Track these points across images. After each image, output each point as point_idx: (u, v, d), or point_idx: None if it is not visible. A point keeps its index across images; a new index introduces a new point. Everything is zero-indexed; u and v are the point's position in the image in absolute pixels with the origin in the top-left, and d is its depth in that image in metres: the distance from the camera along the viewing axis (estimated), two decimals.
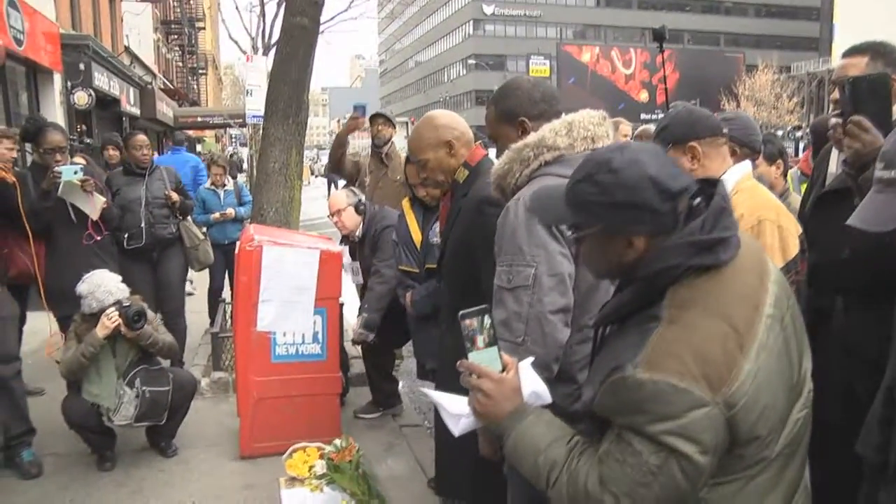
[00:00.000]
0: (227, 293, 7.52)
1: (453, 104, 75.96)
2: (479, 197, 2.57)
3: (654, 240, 1.49)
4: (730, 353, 1.39)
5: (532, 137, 2.12)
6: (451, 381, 2.62)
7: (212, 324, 6.75)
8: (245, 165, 25.19)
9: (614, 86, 64.70)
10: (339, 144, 5.92)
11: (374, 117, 6.02)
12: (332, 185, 21.07)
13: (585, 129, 2.14)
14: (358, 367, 5.76)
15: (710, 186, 1.55)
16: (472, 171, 2.75)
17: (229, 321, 6.36)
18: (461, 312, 1.59)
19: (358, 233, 5.01)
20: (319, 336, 4.60)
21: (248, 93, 15.06)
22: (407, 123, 37.23)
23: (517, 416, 1.59)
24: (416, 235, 4.14)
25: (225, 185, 7.86)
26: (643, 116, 49.98)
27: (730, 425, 1.39)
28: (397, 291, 4.36)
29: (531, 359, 1.72)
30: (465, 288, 2.55)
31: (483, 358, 1.61)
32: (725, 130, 2.67)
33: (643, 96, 64.64)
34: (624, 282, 1.59)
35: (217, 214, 7.58)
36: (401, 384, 5.68)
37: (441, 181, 2.82)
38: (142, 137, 6.03)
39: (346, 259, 5.17)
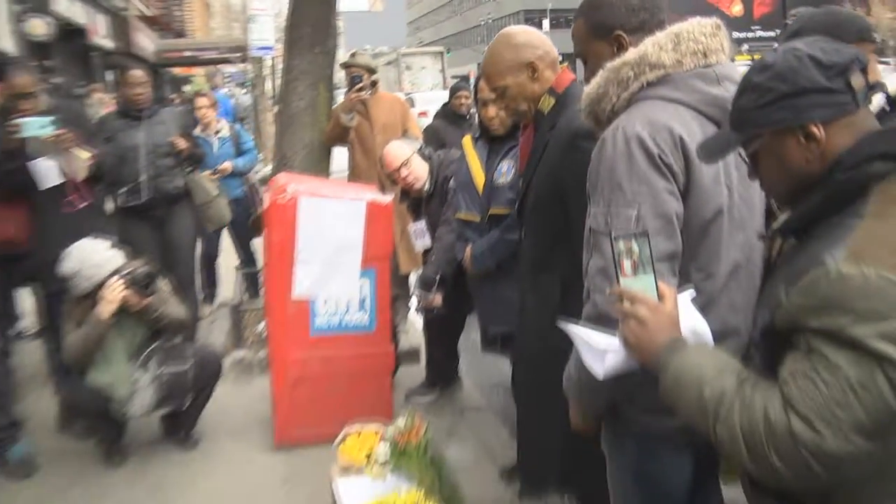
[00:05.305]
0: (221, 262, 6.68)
1: (497, 28, 59.89)
2: (572, 130, 2.33)
3: (836, 127, 1.35)
4: None
5: (631, 54, 1.88)
6: (532, 350, 2.46)
7: (206, 298, 6.34)
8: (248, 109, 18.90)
9: None
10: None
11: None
12: None
13: (696, 41, 1.87)
14: (406, 340, 5.06)
15: None
16: (560, 98, 2.49)
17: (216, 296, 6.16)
18: (613, 234, 1.56)
19: (426, 185, 4.25)
20: (367, 303, 3.96)
21: (250, 19, 12.79)
22: (442, 54, 32.78)
23: (676, 346, 1.44)
24: (479, 177, 3.56)
25: (219, 132, 6.49)
26: (735, 35, 35.60)
27: None
28: (456, 247, 3.77)
29: (692, 292, 1.62)
30: (554, 237, 2.37)
31: (636, 286, 1.52)
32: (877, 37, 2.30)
33: (736, 8, 45.02)
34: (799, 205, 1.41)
35: (209, 172, 6.02)
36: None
37: (524, 111, 2.56)
38: (138, 73, 4.94)
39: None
